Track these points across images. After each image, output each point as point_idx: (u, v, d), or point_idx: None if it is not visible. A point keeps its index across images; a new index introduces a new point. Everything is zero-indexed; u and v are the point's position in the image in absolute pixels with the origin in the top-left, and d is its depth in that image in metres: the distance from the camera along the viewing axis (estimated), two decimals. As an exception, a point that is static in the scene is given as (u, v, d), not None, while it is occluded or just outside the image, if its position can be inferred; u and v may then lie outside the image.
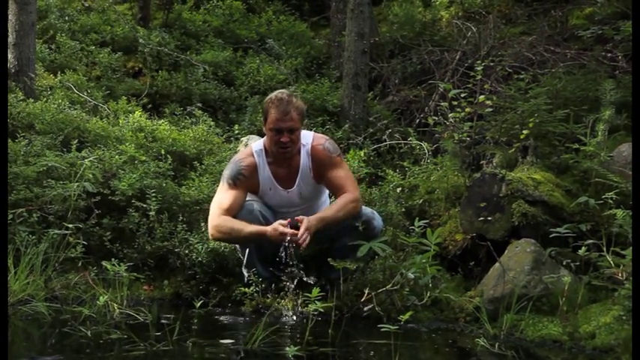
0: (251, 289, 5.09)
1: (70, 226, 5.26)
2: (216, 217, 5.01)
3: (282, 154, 5.09)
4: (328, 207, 5.25)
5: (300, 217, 4.94)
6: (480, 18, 10.20)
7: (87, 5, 10.80)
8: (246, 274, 5.21)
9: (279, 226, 4.85)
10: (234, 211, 5.05)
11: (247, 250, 5.14)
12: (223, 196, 5.08)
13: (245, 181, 5.10)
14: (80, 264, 5.28)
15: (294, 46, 10.54)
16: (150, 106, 8.58)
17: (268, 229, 4.87)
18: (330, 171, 5.19)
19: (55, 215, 5.49)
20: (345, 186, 5.16)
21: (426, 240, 4.94)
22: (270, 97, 5.08)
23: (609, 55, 8.24)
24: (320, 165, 5.19)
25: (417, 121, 8.69)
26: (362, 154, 7.02)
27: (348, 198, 5.10)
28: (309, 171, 5.19)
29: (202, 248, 5.38)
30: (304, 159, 5.19)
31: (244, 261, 5.19)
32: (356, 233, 5.08)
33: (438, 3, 10.97)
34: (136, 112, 7.27)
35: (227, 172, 5.15)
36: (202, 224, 5.57)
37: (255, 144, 5.25)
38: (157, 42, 9.65)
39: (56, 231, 5.24)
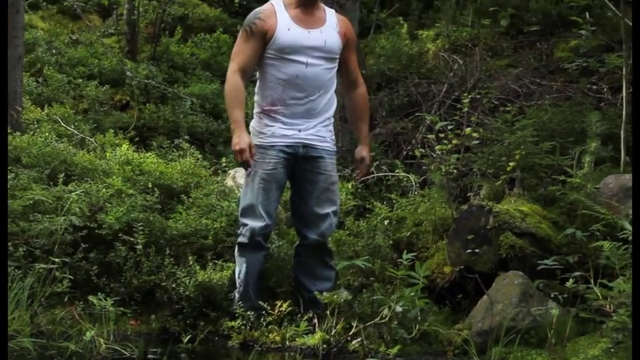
0: (237, 322, 5.07)
1: (57, 260, 5.23)
2: (232, 75, 5.21)
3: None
4: (361, 123, 5.60)
5: (358, 155, 5.51)
6: (466, 51, 10.26)
7: (74, 38, 10.80)
8: (236, 297, 5.20)
9: (247, 146, 5.05)
10: (249, 67, 5.28)
11: (243, 276, 5.15)
12: (241, 49, 5.24)
13: (261, 24, 5.16)
14: (66, 299, 5.25)
15: (281, 78, 10.55)
16: (137, 139, 8.56)
17: (244, 138, 5.07)
18: (351, 50, 5.47)
19: (41, 249, 5.45)
20: (358, 75, 5.57)
21: (415, 273, 4.94)
22: None
23: (595, 87, 8.31)
24: (348, 31, 5.40)
25: (405, 153, 8.70)
26: (349, 187, 7.01)
27: (364, 97, 5.63)
28: (335, 26, 5.31)
29: (190, 282, 5.35)
30: (330, 15, 5.35)
31: (238, 285, 5.19)
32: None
33: (424, 36, 11.02)
34: (123, 145, 7.24)
35: (245, 21, 5.28)
36: (190, 258, 5.55)
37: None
38: (144, 75, 9.65)
39: (42, 265, 5.21)
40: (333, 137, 5.41)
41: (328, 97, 5.30)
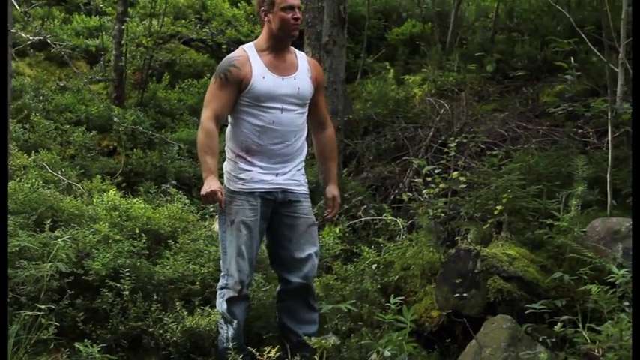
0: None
1: (43, 307, 5.19)
2: (206, 122, 5.12)
3: (294, 32, 5.20)
4: (330, 163, 5.62)
5: (329, 194, 5.53)
6: (452, 95, 10.34)
7: (62, 85, 10.84)
8: (223, 346, 5.16)
9: (218, 190, 5.00)
10: (224, 114, 5.19)
11: (234, 334, 5.13)
12: (215, 96, 5.17)
13: (237, 72, 5.11)
14: (52, 346, 5.20)
15: (268, 123, 10.59)
16: (124, 184, 8.57)
17: (215, 183, 5.00)
18: (321, 93, 5.51)
19: (27, 296, 5.41)
20: (327, 116, 5.63)
21: (402, 317, 4.92)
22: None
23: (580, 131, 8.38)
24: (318, 75, 5.42)
25: (392, 197, 8.73)
26: (337, 231, 7.02)
27: (333, 137, 5.68)
28: (307, 71, 5.30)
29: (177, 328, 5.31)
30: (302, 60, 5.34)
31: (230, 336, 5.15)
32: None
33: (411, 81, 11.11)
34: (111, 191, 7.23)
35: (219, 68, 5.21)
36: (177, 303, 5.52)
37: (244, 45, 5.34)
38: (131, 121, 9.67)
39: (28, 312, 5.16)
40: (306, 180, 5.43)
41: (302, 141, 5.32)
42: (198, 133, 5.17)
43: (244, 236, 5.13)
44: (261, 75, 5.14)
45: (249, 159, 5.17)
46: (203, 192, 5.01)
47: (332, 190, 5.49)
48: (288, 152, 5.23)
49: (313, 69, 5.37)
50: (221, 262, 5.28)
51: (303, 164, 5.38)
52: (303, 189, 5.36)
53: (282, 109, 5.17)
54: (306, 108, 5.33)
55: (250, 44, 5.29)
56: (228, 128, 5.31)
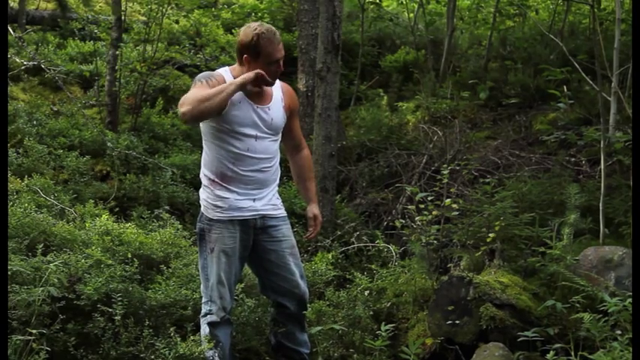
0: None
1: (34, 331, 5.17)
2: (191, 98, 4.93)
3: (273, 81, 5.16)
4: (308, 183, 5.60)
5: (310, 213, 5.52)
6: (445, 122, 10.38)
7: (55, 109, 10.83)
8: None
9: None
10: None
11: (222, 352, 5.14)
12: (198, 91, 4.99)
13: (217, 84, 5.01)
14: (43, 371, 5.18)
15: (261, 149, 10.58)
16: (117, 209, 8.54)
17: (245, 76, 4.95)
18: (295, 117, 5.49)
19: (18, 321, 5.38)
20: (302, 139, 5.63)
21: (404, 347, 4.90)
22: (257, 33, 5.01)
23: (573, 159, 8.41)
24: (292, 102, 5.38)
25: (385, 223, 8.73)
26: (330, 257, 7.01)
27: (309, 158, 5.69)
28: (281, 100, 5.26)
29: (170, 354, 5.29)
30: (276, 89, 5.27)
31: None
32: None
33: (404, 108, 11.14)
34: (103, 216, 7.22)
35: (199, 76, 5.14)
36: (171, 329, 5.50)
37: (221, 69, 5.27)
38: (125, 145, 9.66)
39: (19, 337, 5.14)
40: (281, 203, 5.43)
41: (276, 166, 5.33)
42: (187, 109, 4.93)
43: (223, 264, 5.13)
44: (237, 100, 5.06)
45: (224, 185, 5.14)
46: (248, 77, 4.95)
47: (313, 210, 5.50)
48: (263, 178, 5.22)
49: (287, 97, 5.34)
50: (202, 288, 5.29)
51: (277, 188, 5.39)
52: (281, 212, 5.37)
53: (256, 137, 5.14)
54: (279, 135, 5.33)
55: (227, 69, 5.23)
56: (203, 155, 5.28)
